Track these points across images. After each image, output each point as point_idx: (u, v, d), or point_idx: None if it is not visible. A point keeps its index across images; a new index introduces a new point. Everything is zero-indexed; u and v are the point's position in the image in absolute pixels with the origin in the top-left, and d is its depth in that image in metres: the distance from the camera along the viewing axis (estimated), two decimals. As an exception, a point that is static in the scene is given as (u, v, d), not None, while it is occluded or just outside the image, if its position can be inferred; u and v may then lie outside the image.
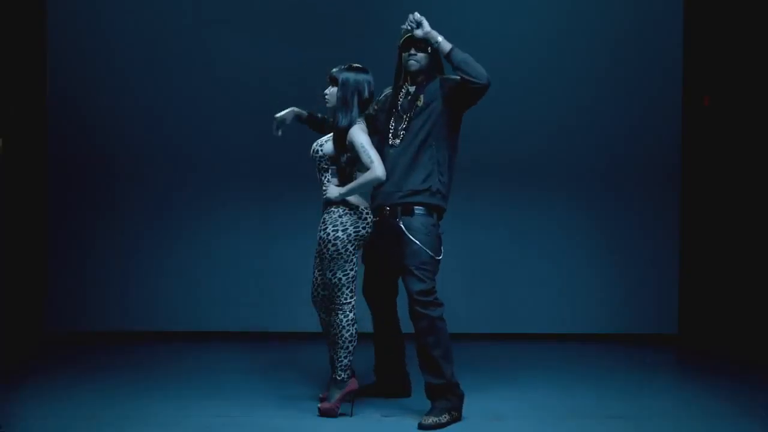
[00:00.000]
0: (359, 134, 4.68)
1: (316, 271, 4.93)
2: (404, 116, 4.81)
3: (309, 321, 5.16)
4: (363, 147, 4.66)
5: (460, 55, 4.67)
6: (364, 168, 4.67)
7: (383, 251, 4.88)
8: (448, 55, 4.68)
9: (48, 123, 7.00)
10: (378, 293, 5.10)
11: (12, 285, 6.50)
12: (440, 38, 4.71)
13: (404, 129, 4.79)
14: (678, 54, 7.16)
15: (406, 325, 4.97)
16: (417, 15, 4.75)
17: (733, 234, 6.98)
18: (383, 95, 5.00)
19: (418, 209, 4.75)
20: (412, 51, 4.81)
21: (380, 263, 4.98)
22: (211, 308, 7.06)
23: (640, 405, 5.13)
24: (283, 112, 5.15)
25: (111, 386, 5.37)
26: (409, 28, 4.77)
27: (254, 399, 5.13)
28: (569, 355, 6.62)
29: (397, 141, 4.79)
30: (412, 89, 4.85)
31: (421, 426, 4.61)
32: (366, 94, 4.78)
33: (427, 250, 4.71)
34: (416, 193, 4.75)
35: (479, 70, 4.66)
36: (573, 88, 7.13)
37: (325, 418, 4.73)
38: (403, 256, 4.73)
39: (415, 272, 4.68)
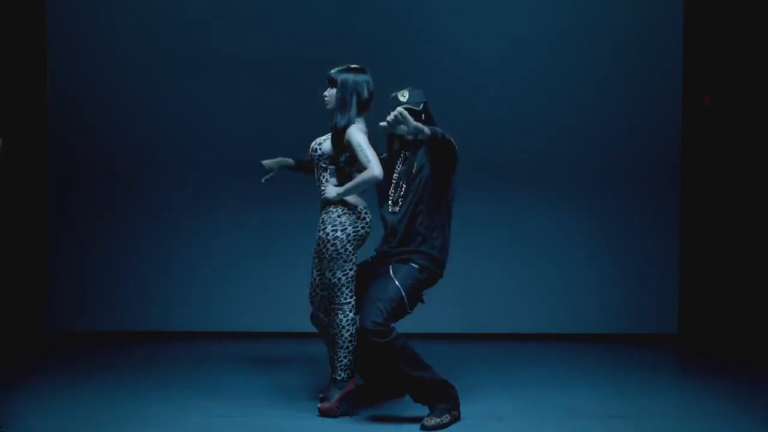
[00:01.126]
0: (357, 134, 4.68)
1: (314, 271, 4.93)
2: (401, 183, 4.86)
3: (309, 321, 5.15)
4: (360, 146, 4.65)
5: (439, 131, 4.57)
6: (362, 168, 4.67)
7: (367, 278, 4.86)
8: (434, 138, 4.51)
9: (48, 123, 7.01)
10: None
11: (12, 285, 6.50)
12: (422, 128, 4.41)
13: (402, 196, 4.84)
14: (678, 54, 7.16)
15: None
16: (399, 110, 4.30)
17: (733, 234, 6.98)
18: (382, 157, 4.92)
19: (412, 264, 4.79)
20: None
21: (360, 284, 4.91)
22: (211, 308, 7.06)
23: (640, 405, 5.14)
24: (270, 162, 5.22)
25: (111, 386, 5.37)
26: (391, 124, 4.33)
27: (254, 399, 5.13)
28: (569, 355, 6.62)
29: (397, 209, 4.84)
30: (408, 154, 4.89)
31: (423, 427, 4.60)
32: (365, 94, 4.77)
33: (402, 291, 4.69)
34: (409, 253, 4.80)
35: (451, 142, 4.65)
36: (573, 88, 7.13)
37: (325, 418, 4.74)
38: (372, 287, 4.72)
39: (377, 303, 4.62)
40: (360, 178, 4.66)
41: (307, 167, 5.13)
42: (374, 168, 4.61)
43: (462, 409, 4.82)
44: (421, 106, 4.82)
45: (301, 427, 4.64)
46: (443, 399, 4.70)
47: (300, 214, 6.73)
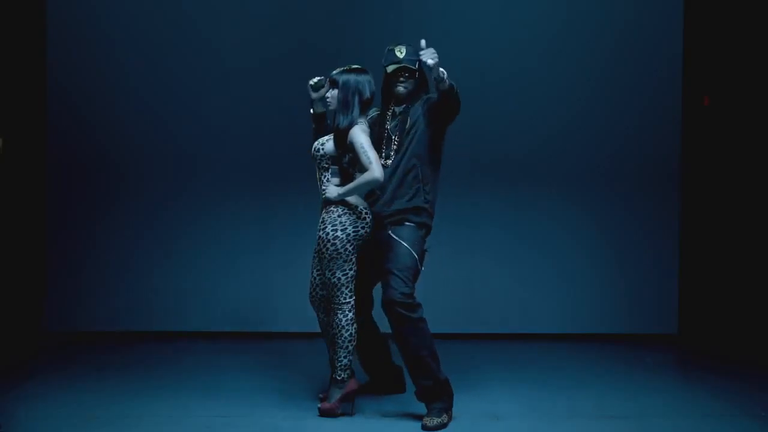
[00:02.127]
0: (359, 135, 4.68)
1: (314, 270, 4.93)
2: (393, 137, 4.90)
3: (309, 321, 5.16)
4: (363, 148, 4.66)
5: (455, 86, 4.66)
6: (364, 169, 4.67)
7: (368, 262, 4.89)
8: (448, 86, 4.58)
9: (48, 123, 7.01)
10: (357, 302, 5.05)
11: (12, 285, 6.50)
12: (444, 72, 4.55)
13: (394, 151, 4.88)
14: (678, 54, 7.16)
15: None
16: (433, 50, 4.51)
17: (732, 234, 6.98)
18: (369, 117, 5.00)
19: (408, 224, 4.84)
20: (401, 78, 4.89)
21: (362, 273, 4.93)
22: (211, 308, 7.06)
23: (640, 405, 5.14)
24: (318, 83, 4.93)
25: (111, 386, 5.37)
26: (426, 58, 4.47)
27: (254, 399, 5.13)
28: (569, 355, 6.62)
29: (388, 162, 4.87)
30: (399, 110, 4.93)
31: (425, 427, 4.61)
32: (367, 94, 4.78)
33: (414, 254, 4.75)
34: (403, 212, 4.84)
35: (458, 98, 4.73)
36: (573, 88, 7.13)
37: (325, 418, 4.74)
38: (386, 260, 4.76)
39: (399, 274, 4.69)
40: (361, 179, 4.67)
41: (320, 126, 4.99)
42: (375, 170, 4.61)
43: (462, 409, 4.84)
44: (416, 65, 4.85)
45: (301, 427, 4.64)
46: (441, 398, 4.72)
47: (300, 213, 6.74)
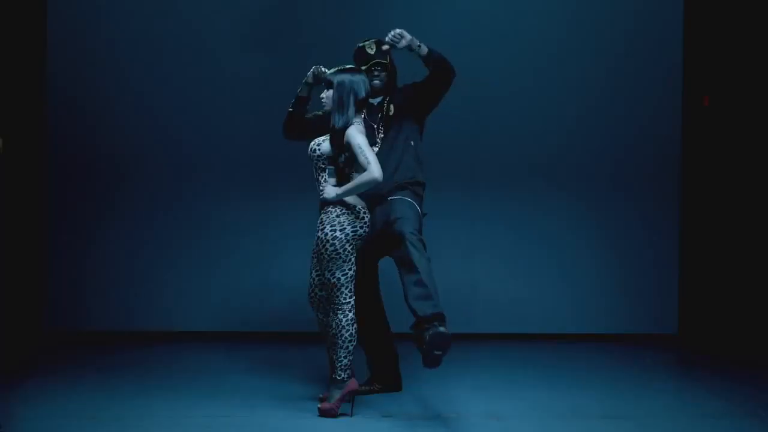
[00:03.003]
0: (356, 135, 4.69)
1: (313, 271, 4.93)
2: (375, 126, 5.08)
3: (309, 321, 5.16)
4: (360, 148, 4.66)
5: (436, 51, 4.96)
6: (361, 169, 4.67)
7: (373, 243, 4.93)
8: (429, 54, 4.94)
9: (48, 123, 7.00)
10: (365, 288, 5.10)
11: (12, 285, 6.49)
12: (418, 42, 4.92)
13: (381, 138, 5.07)
14: (678, 54, 7.16)
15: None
16: (397, 30, 4.89)
17: (733, 234, 6.98)
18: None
19: (407, 190, 4.99)
20: (375, 72, 5.08)
21: (368, 255, 5.00)
22: (211, 308, 7.06)
23: (640, 405, 5.13)
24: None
25: (111, 386, 5.37)
26: (393, 43, 4.90)
27: (254, 399, 5.13)
28: (569, 355, 6.62)
29: (376, 149, 4.99)
30: (376, 101, 5.11)
31: (430, 363, 4.53)
32: (362, 93, 4.79)
33: (417, 207, 4.92)
34: (402, 186, 5.00)
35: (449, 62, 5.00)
36: (573, 89, 7.13)
37: (325, 418, 4.73)
38: (391, 212, 4.85)
39: (406, 220, 4.77)
40: (360, 179, 4.67)
41: (299, 109, 5.12)
42: (374, 170, 4.61)
43: (462, 408, 4.85)
44: (387, 59, 5.10)
45: (301, 427, 4.63)
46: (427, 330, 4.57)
47: (299, 214, 6.73)
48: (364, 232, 4.78)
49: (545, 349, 6.81)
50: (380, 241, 4.94)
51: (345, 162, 4.73)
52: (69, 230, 7.02)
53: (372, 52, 5.07)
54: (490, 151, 7.06)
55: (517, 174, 7.12)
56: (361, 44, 5.13)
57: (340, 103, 4.75)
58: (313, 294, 4.95)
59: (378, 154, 4.83)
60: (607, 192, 7.17)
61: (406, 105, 5.11)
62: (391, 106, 5.12)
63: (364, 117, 4.93)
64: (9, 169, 6.11)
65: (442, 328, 4.51)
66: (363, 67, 5.02)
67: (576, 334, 7.13)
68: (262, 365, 6.04)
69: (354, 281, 4.81)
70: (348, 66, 4.85)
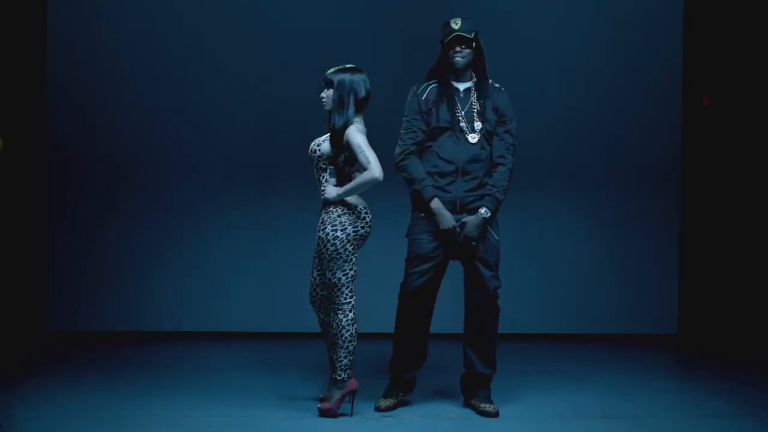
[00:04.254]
0: (356, 135, 4.68)
1: (314, 271, 4.93)
2: (474, 118, 4.93)
3: (309, 321, 5.16)
4: (360, 148, 4.65)
5: (499, 196, 5.11)
6: (362, 168, 4.67)
7: (456, 248, 4.87)
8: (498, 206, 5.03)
9: (48, 123, 7.01)
10: (431, 285, 4.97)
11: (12, 285, 6.49)
12: (483, 214, 4.91)
13: (479, 130, 4.94)
14: (678, 54, 7.16)
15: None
16: (470, 236, 4.84)
17: (733, 234, 6.97)
18: (422, 89, 4.94)
19: (482, 214, 4.87)
20: (458, 48, 4.86)
21: (445, 255, 4.90)
22: (211, 308, 7.06)
23: (640, 405, 5.14)
24: None
25: (111, 386, 5.37)
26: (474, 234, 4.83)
27: (254, 399, 5.13)
28: (569, 355, 6.62)
29: (475, 139, 4.92)
30: (461, 86, 4.93)
31: (490, 415, 4.83)
32: (362, 93, 4.77)
33: (499, 246, 4.93)
34: (477, 195, 4.95)
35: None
36: (573, 88, 7.13)
37: (325, 418, 4.73)
38: (480, 248, 4.84)
39: (494, 270, 4.87)
40: (360, 179, 4.66)
41: None
42: (374, 170, 4.61)
43: (462, 408, 4.85)
44: (473, 34, 4.89)
45: (301, 427, 4.64)
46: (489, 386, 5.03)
47: (300, 214, 6.73)
48: (365, 232, 4.78)
49: (545, 349, 6.81)
50: (464, 252, 4.88)
51: (345, 161, 4.73)
52: (69, 230, 7.02)
53: (456, 27, 4.83)
54: (490, 151, 7.05)
55: (516, 174, 7.09)
56: (448, 21, 4.90)
57: (339, 103, 4.74)
58: (314, 294, 4.95)
59: (473, 149, 4.88)
60: (607, 192, 7.18)
61: (492, 119, 4.99)
62: (483, 106, 4.94)
63: (456, 104, 4.86)
64: (9, 169, 6.11)
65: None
66: (445, 41, 4.87)
67: (576, 334, 7.13)
68: (262, 365, 6.04)
69: (355, 281, 4.81)
70: (348, 65, 4.84)
